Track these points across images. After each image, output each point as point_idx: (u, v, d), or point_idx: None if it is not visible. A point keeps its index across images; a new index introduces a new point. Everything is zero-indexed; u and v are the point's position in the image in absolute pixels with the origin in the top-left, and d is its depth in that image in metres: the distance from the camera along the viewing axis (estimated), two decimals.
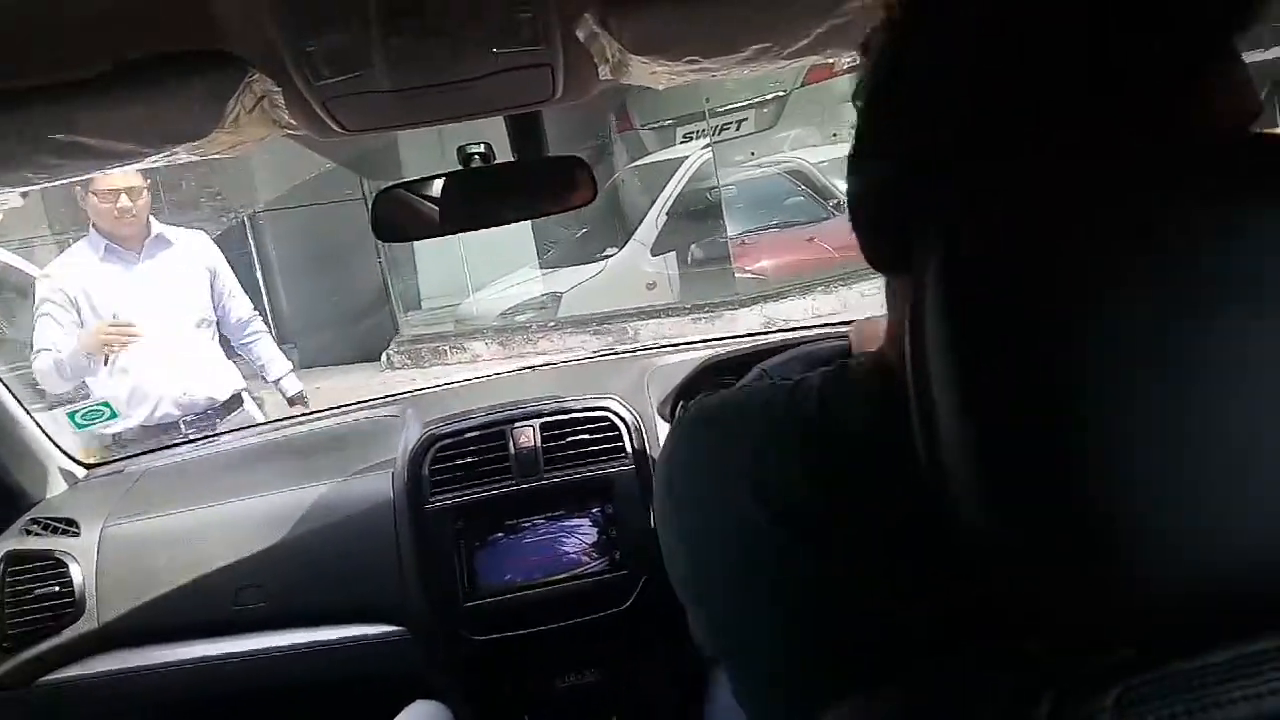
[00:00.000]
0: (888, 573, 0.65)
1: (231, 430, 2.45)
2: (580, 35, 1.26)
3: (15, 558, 1.87)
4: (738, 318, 8.87)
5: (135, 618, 1.82)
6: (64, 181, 1.45)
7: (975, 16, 0.58)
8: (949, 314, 0.50)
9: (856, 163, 0.69)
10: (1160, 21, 0.53)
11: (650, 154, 11.58)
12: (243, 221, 10.60)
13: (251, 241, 10.51)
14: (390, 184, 1.67)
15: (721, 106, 10.75)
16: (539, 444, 1.89)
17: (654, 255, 9.85)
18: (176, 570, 1.85)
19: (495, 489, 1.86)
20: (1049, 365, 0.47)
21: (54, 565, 1.86)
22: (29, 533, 1.91)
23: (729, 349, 2.08)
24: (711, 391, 0.84)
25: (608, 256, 10.41)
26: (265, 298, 10.22)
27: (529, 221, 11.56)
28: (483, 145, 1.69)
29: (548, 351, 9.32)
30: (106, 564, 1.86)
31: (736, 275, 9.45)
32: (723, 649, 0.77)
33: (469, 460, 1.89)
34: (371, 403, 2.38)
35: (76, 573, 1.85)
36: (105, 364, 3.41)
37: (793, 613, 0.69)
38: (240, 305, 3.79)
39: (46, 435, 2.06)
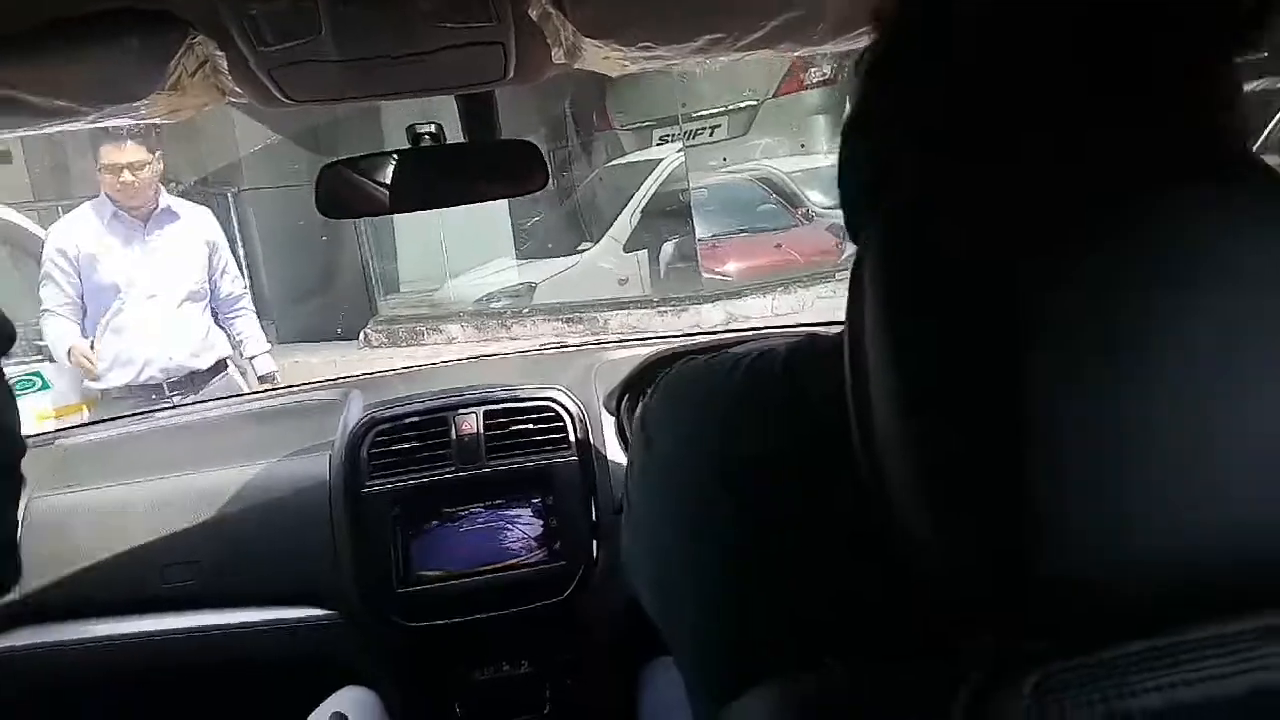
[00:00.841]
0: (825, 551, 0.65)
1: (169, 408, 2.37)
2: (533, 15, 1.23)
3: None
4: (701, 312, 9.00)
5: (61, 591, 1.75)
6: (5, 135, 1.41)
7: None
8: (886, 283, 0.50)
9: (847, 132, 0.69)
10: (1161, 20, 0.53)
11: (627, 154, 11.79)
12: (227, 198, 10.60)
13: (235, 218, 10.48)
14: (334, 160, 1.60)
15: (697, 112, 11.02)
16: (481, 431, 1.83)
17: (626, 252, 10.03)
18: (104, 544, 1.78)
19: (435, 475, 1.80)
20: (980, 353, 0.47)
21: None
22: None
23: (677, 344, 2.02)
24: (642, 396, 0.83)
25: (582, 251, 10.62)
26: (246, 273, 10.16)
27: (508, 213, 11.74)
28: (433, 125, 1.63)
29: (520, 337, 9.54)
30: (32, 536, 1.78)
31: (704, 276, 9.61)
32: (662, 612, 0.77)
33: (409, 445, 1.83)
34: (315, 384, 2.30)
35: None
36: (101, 326, 3.52)
37: (727, 582, 0.69)
38: (232, 282, 3.88)
39: None
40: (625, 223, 10.09)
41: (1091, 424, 0.45)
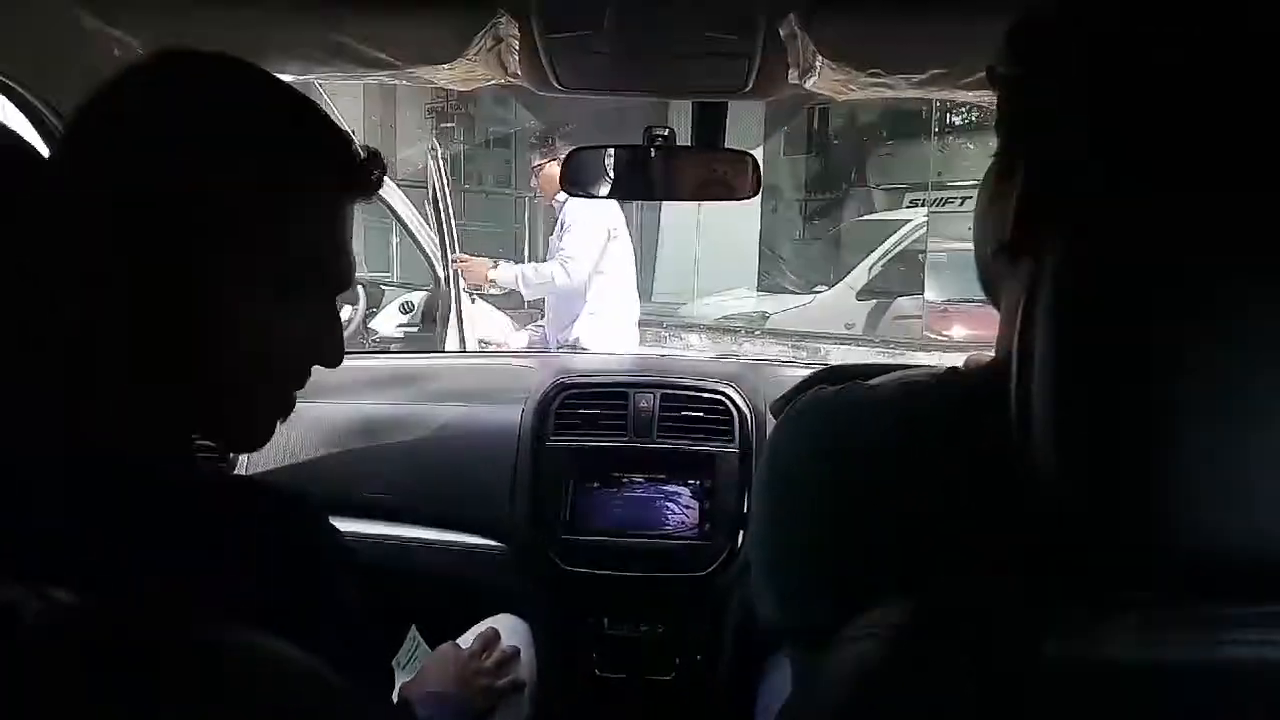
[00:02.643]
0: (948, 526, 0.66)
1: (395, 352, 2.50)
2: (781, 32, 1.28)
3: None
4: (916, 358, 8.69)
5: (279, 483, 1.84)
6: (326, 78, 1.52)
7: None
8: (1061, 305, 0.53)
9: (990, 175, 0.72)
10: None
11: (876, 212, 11.81)
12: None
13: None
14: (581, 146, 1.75)
15: (950, 182, 11.03)
16: (657, 410, 1.88)
17: (858, 300, 10.01)
18: (321, 452, 1.91)
19: (610, 442, 1.87)
20: (1136, 365, 0.50)
21: None
22: None
23: (847, 364, 2.00)
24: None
25: (818, 292, 10.72)
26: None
27: (756, 248, 11.85)
28: (667, 130, 1.72)
29: (749, 354, 9.43)
30: None
31: (925, 334, 9.33)
32: (775, 584, 0.78)
33: (592, 411, 1.90)
34: (517, 353, 2.40)
35: None
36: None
37: (841, 526, 0.71)
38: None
39: None
40: (862, 272, 10.10)
41: (1213, 409, 0.48)
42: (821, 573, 0.73)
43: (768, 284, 11.82)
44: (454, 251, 3.89)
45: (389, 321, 4.45)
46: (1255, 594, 0.50)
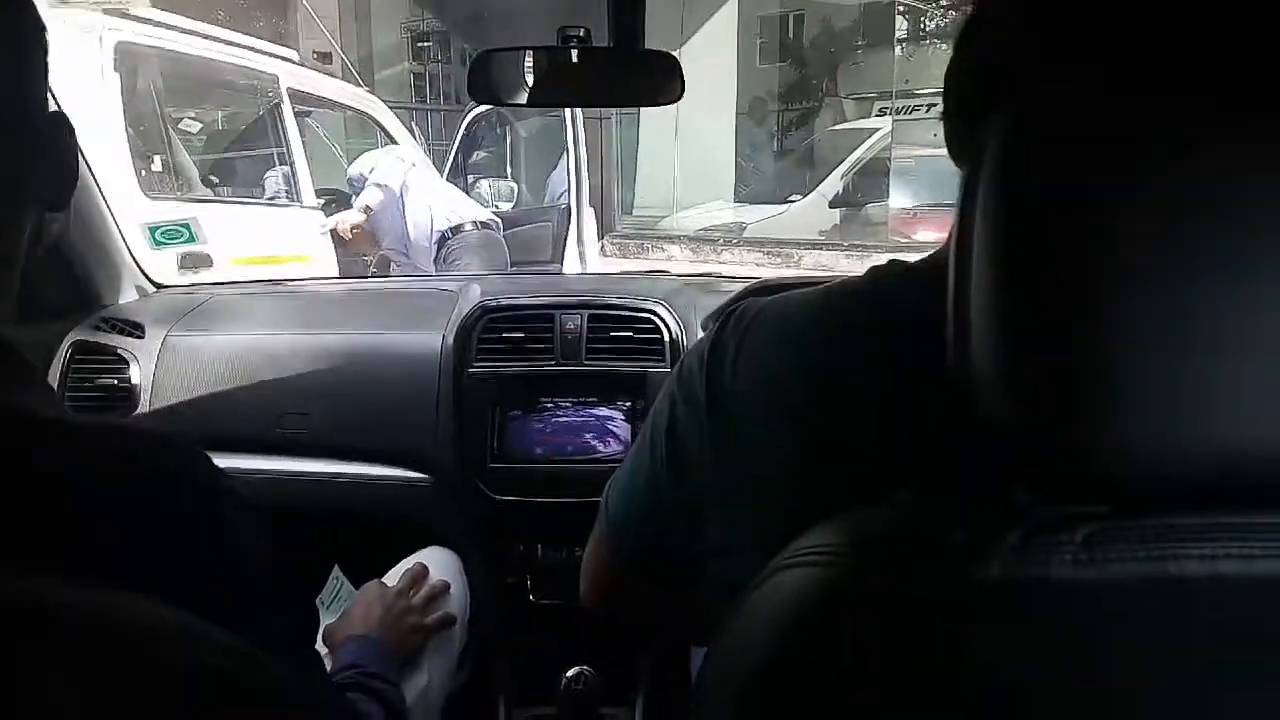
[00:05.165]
0: (903, 431, 0.64)
1: (303, 279, 2.34)
2: None
3: (82, 347, 1.81)
4: (881, 260, 8.86)
5: (184, 422, 1.73)
6: None
7: None
8: (998, 196, 0.50)
9: (960, 41, 0.66)
10: None
11: (847, 121, 11.99)
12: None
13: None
14: (490, 48, 1.52)
15: (917, 89, 11.00)
16: (585, 330, 1.73)
17: (831, 208, 10.17)
18: (228, 386, 1.77)
19: (536, 366, 1.72)
20: (1077, 256, 0.46)
21: (116, 360, 1.79)
22: (98, 328, 1.84)
23: (783, 277, 1.85)
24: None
25: (791, 201, 10.86)
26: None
27: (732, 162, 11.81)
28: (582, 29, 1.52)
29: (728, 262, 9.83)
30: (164, 369, 1.78)
31: (891, 238, 9.58)
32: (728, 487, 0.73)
33: (516, 335, 1.74)
34: (439, 276, 2.25)
35: (135, 372, 1.77)
36: None
37: (809, 443, 0.67)
38: None
39: (128, 249, 1.98)
40: (834, 181, 10.19)
41: (1163, 317, 0.45)
42: (741, 497, 0.71)
43: (744, 195, 11.89)
44: None
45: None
46: (1205, 505, 0.47)
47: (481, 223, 4.70)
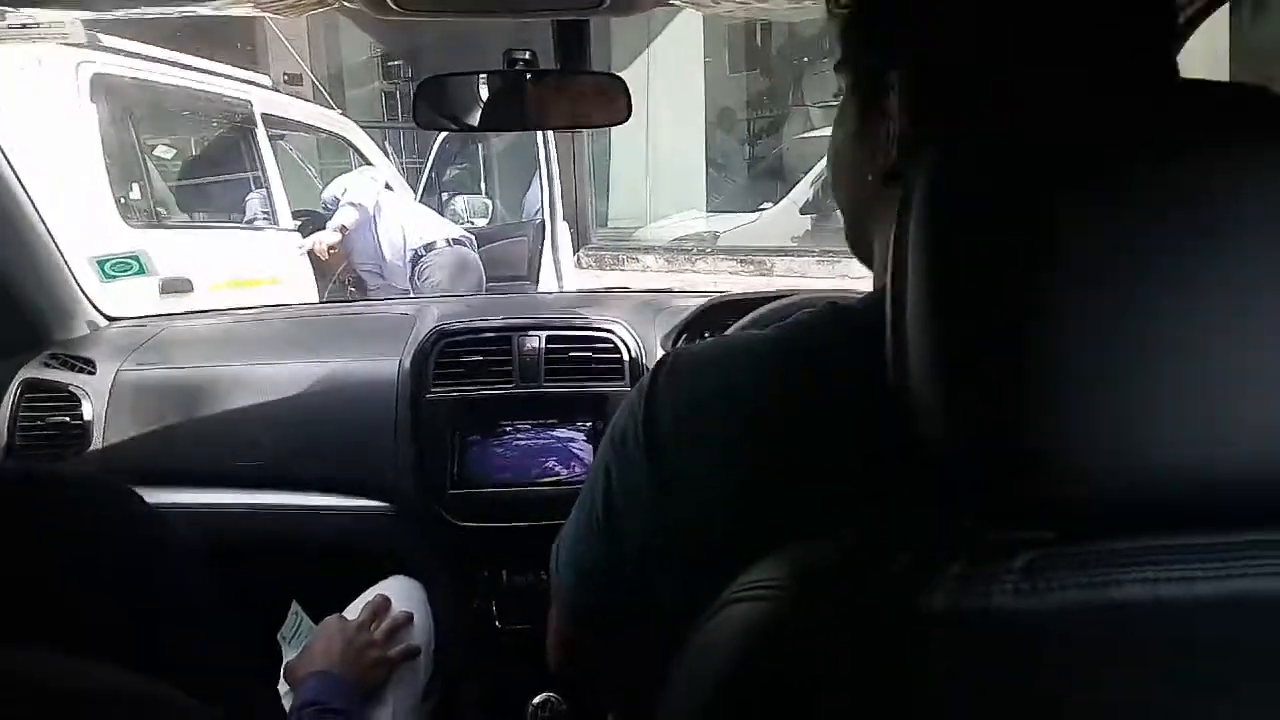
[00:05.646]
0: (848, 470, 0.62)
1: (255, 307, 2.31)
2: None
3: (32, 385, 1.77)
4: (851, 266, 8.91)
5: (137, 457, 1.70)
6: (135, 14, 1.36)
7: None
8: (930, 226, 0.50)
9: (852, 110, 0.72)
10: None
11: (815, 129, 11.77)
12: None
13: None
14: (435, 74, 1.50)
15: None
16: (543, 352, 1.70)
17: (801, 214, 10.10)
18: (182, 420, 1.73)
19: (495, 389, 1.68)
20: (1007, 285, 0.46)
21: (68, 397, 1.75)
22: (48, 365, 1.80)
23: (738, 293, 1.82)
24: (699, 338, 0.80)
25: (763, 209, 10.82)
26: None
27: (703, 171, 11.80)
28: (529, 52, 1.49)
29: (701, 271, 9.81)
30: (117, 405, 1.74)
31: None
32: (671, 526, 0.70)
33: (474, 359, 1.71)
34: (392, 301, 2.22)
35: (87, 408, 1.74)
36: None
37: (750, 475, 0.66)
38: None
39: (78, 283, 1.94)
40: (804, 188, 10.11)
41: (1098, 337, 0.44)
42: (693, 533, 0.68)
43: (716, 204, 11.81)
44: None
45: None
46: (1146, 528, 0.47)
47: (455, 240, 4.75)
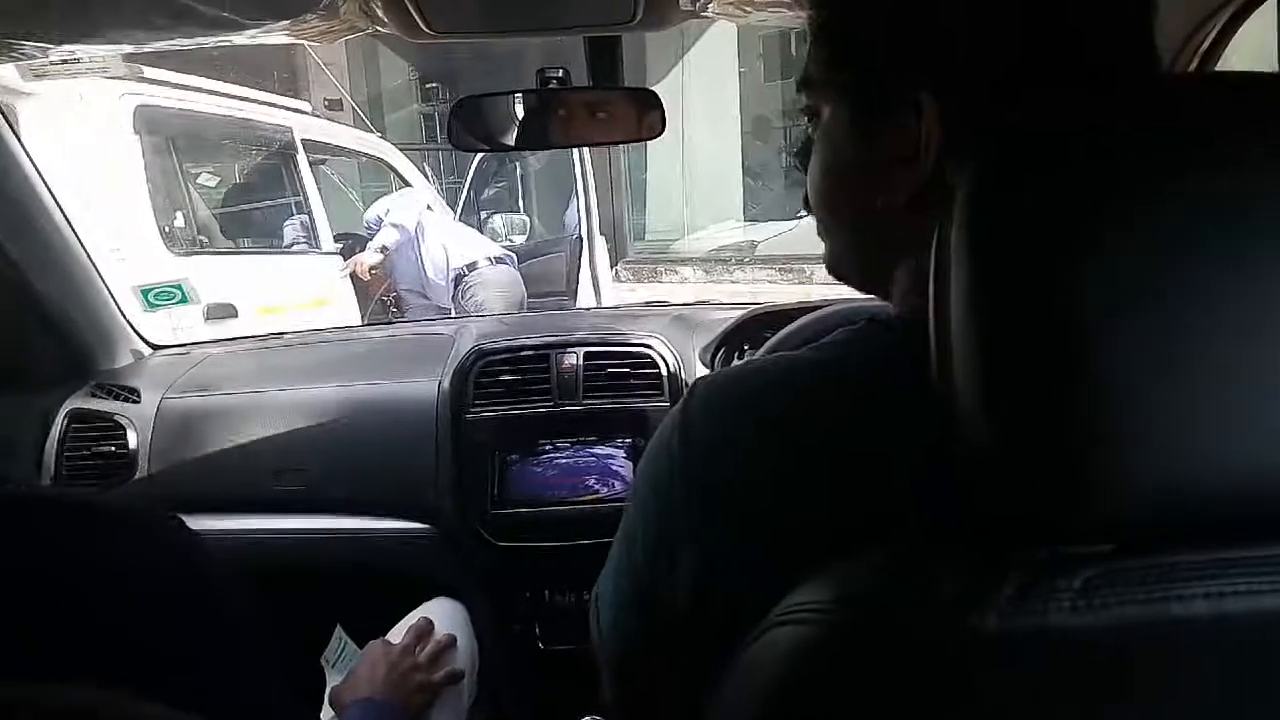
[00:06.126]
0: (897, 492, 0.59)
1: (296, 332, 2.32)
2: None
3: (78, 415, 1.78)
4: None
5: (182, 485, 1.71)
6: (170, 47, 1.36)
7: None
8: (973, 240, 0.48)
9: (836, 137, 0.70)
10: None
11: None
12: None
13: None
14: (469, 95, 1.49)
15: None
16: (581, 369, 1.69)
17: None
18: (225, 446, 1.73)
19: (534, 408, 1.68)
20: (1061, 292, 0.44)
21: (113, 427, 1.75)
22: (93, 395, 1.81)
23: (775, 305, 1.79)
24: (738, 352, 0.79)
25: (801, 217, 10.42)
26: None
27: (740, 182, 11.79)
28: (561, 70, 1.48)
29: (740, 281, 9.81)
30: (161, 433, 1.75)
31: None
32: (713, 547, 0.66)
33: (513, 378, 1.70)
34: (430, 321, 2.21)
35: (132, 437, 1.74)
36: None
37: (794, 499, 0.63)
38: None
39: (122, 313, 1.95)
40: None
41: (1156, 348, 0.43)
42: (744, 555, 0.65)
43: (754, 213, 11.78)
44: None
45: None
46: (1208, 540, 0.45)
47: (497, 258, 4.76)
